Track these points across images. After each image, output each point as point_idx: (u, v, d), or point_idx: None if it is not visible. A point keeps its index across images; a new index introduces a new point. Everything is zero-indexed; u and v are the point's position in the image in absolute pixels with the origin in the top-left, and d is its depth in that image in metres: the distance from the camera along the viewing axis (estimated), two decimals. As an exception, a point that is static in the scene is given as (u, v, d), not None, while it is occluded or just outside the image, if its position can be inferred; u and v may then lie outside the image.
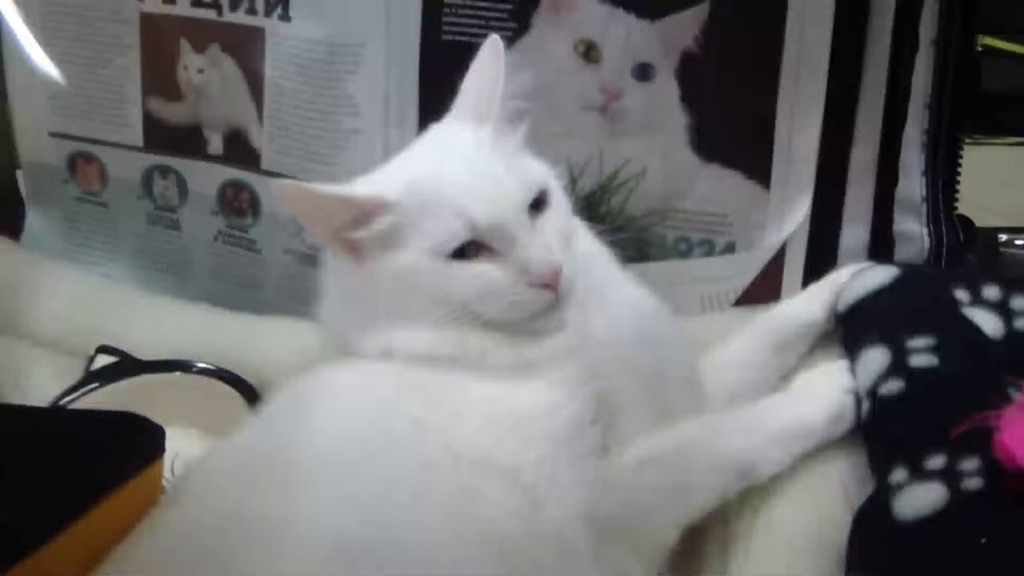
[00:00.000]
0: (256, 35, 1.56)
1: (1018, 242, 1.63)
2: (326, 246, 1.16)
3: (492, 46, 1.18)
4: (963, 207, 1.50)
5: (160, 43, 1.62)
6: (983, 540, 0.85)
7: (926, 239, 1.46)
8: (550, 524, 1.02)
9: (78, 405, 1.42)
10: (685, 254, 1.53)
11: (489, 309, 1.09)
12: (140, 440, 1.06)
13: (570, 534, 1.02)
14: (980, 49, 1.47)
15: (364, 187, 1.14)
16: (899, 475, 0.95)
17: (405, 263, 1.09)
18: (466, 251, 1.08)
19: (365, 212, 1.09)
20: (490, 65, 1.18)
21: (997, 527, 0.87)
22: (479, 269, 1.09)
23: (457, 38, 1.48)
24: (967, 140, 1.47)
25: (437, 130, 1.22)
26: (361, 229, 1.10)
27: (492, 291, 1.08)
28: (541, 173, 1.16)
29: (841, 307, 1.18)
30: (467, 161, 1.13)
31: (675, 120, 1.48)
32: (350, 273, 1.14)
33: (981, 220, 1.54)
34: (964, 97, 1.44)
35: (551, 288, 1.08)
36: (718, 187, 1.49)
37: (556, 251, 1.09)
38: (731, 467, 1.06)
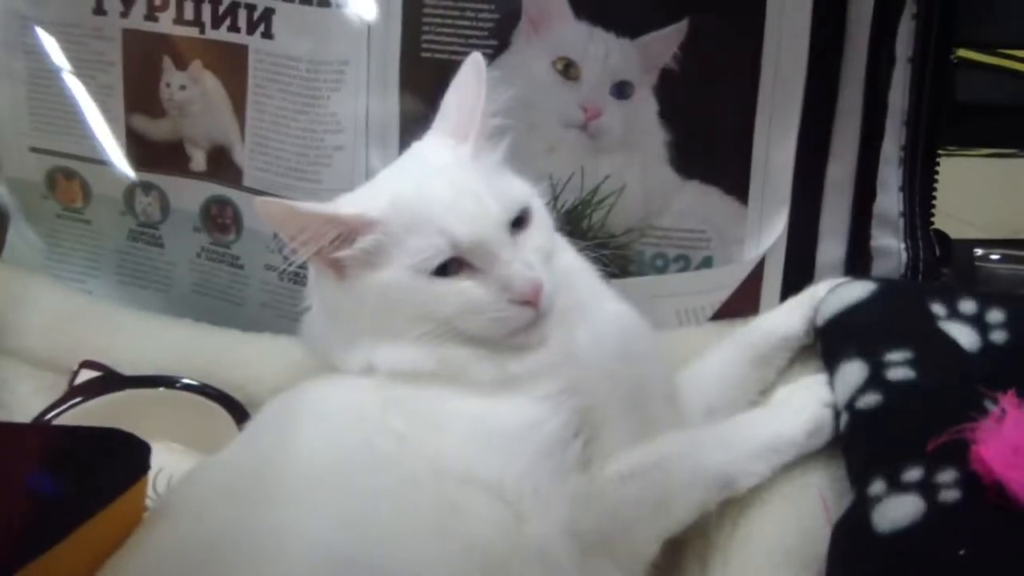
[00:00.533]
0: (239, 52, 1.57)
1: (993, 256, 1.64)
2: (309, 263, 1.17)
3: (474, 64, 1.19)
4: (939, 219, 1.50)
5: (143, 60, 1.63)
6: (961, 552, 0.86)
7: (903, 254, 1.47)
8: (534, 538, 1.03)
9: (61, 420, 1.42)
10: (662, 269, 1.54)
11: (471, 325, 1.10)
12: (127, 457, 1.06)
13: (553, 548, 1.03)
14: (955, 61, 1.48)
15: (348, 205, 1.14)
16: (877, 487, 0.95)
17: (388, 280, 1.10)
18: (448, 268, 1.09)
19: (349, 230, 1.10)
20: (471, 83, 1.19)
21: (975, 539, 0.87)
22: (461, 286, 1.10)
23: (436, 55, 1.49)
24: (943, 152, 1.48)
25: (418, 148, 1.23)
26: (345, 247, 1.11)
27: (474, 308, 1.09)
28: (522, 191, 1.18)
29: (819, 321, 1.19)
30: (449, 179, 1.13)
31: (654, 137, 1.49)
32: (333, 290, 1.15)
33: (957, 232, 1.54)
34: (941, 113, 1.45)
35: (532, 305, 1.09)
36: (696, 203, 1.50)
37: (537, 268, 1.10)
38: (711, 480, 1.07)
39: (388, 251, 1.11)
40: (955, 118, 1.51)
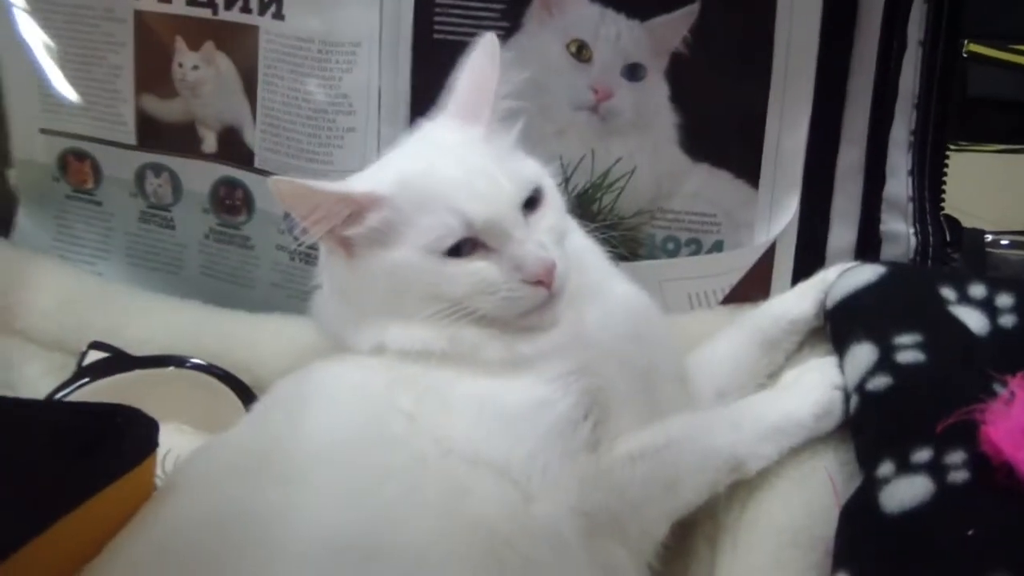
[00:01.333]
0: (250, 33, 1.57)
1: (1004, 242, 1.64)
2: (320, 243, 1.17)
3: (487, 45, 1.19)
4: (951, 214, 1.50)
5: (154, 41, 1.63)
6: (969, 532, 0.86)
7: (912, 239, 1.47)
8: (541, 518, 1.03)
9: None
10: (673, 253, 1.54)
11: (483, 306, 1.10)
12: (135, 433, 1.06)
13: (561, 528, 1.03)
14: (966, 56, 1.48)
15: (360, 183, 1.15)
16: (886, 469, 0.96)
17: (399, 260, 1.10)
18: (460, 248, 1.09)
19: (360, 208, 1.10)
20: (484, 64, 1.19)
21: (983, 519, 0.87)
22: (473, 267, 1.09)
23: (449, 37, 1.49)
24: (954, 147, 1.48)
25: (429, 128, 1.22)
26: (356, 225, 1.11)
27: (486, 288, 1.09)
28: (535, 171, 1.17)
29: (829, 304, 1.18)
30: (460, 158, 1.13)
31: (665, 120, 1.49)
32: (344, 269, 1.15)
33: (969, 226, 1.54)
34: (951, 98, 1.45)
35: (545, 285, 1.09)
36: (707, 186, 1.51)
37: (550, 248, 1.10)
38: (720, 462, 1.07)
39: (399, 230, 1.11)
40: (966, 113, 1.51)
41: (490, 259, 1.10)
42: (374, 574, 0.95)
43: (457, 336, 1.10)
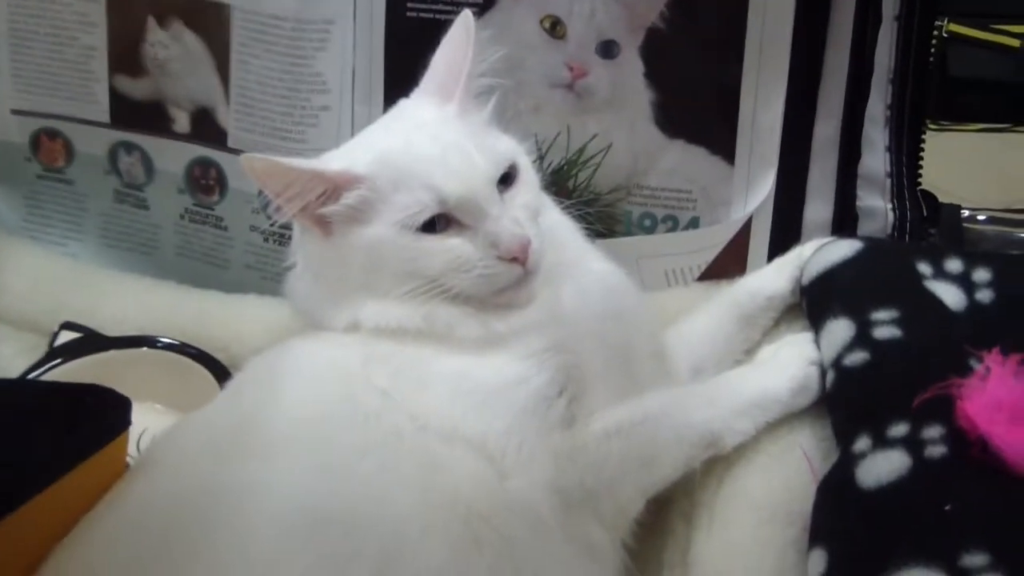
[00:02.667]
0: (223, 12, 1.56)
1: (980, 217, 1.64)
2: (294, 221, 1.16)
3: (463, 22, 1.19)
4: (930, 191, 1.51)
5: (126, 21, 1.62)
6: (946, 507, 0.86)
7: (890, 214, 1.47)
8: (517, 494, 1.03)
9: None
10: (650, 230, 1.53)
11: (458, 283, 1.09)
12: (107, 411, 1.06)
13: (536, 504, 1.03)
14: (947, 36, 1.48)
15: (334, 161, 1.14)
16: (863, 444, 0.96)
17: (374, 236, 1.10)
18: (435, 225, 1.09)
19: (335, 186, 1.10)
20: (460, 41, 1.18)
21: (960, 494, 0.88)
22: (448, 243, 1.09)
23: (422, 15, 1.48)
24: (934, 127, 1.48)
25: (404, 106, 1.22)
26: (331, 203, 1.10)
27: (461, 265, 1.09)
28: (509, 148, 1.17)
29: (805, 280, 1.19)
30: (435, 136, 1.13)
31: (640, 96, 1.49)
32: (318, 248, 1.15)
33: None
34: (927, 73, 1.45)
35: (520, 262, 1.09)
36: (683, 163, 1.50)
37: (525, 225, 1.10)
38: (696, 437, 1.07)
39: (375, 207, 1.10)
40: (947, 93, 1.51)
41: (464, 236, 1.10)
42: (354, 545, 0.94)
43: (432, 314, 1.10)
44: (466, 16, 1.19)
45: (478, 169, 1.10)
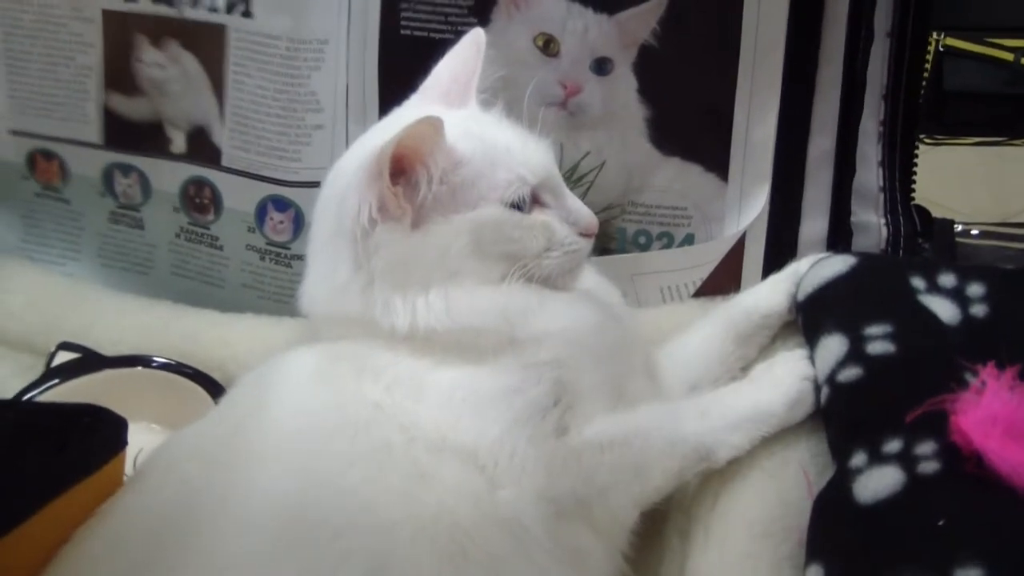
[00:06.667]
0: (218, 32, 1.56)
1: (974, 232, 1.65)
2: (374, 215, 1.09)
3: (474, 37, 1.22)
4: (925, 206, 1.51)
5: (121, 40, 1.62)
6: (940, 522, 0.86)
7: (884, 229, 1.48)
8: (506, 505, 1.03)
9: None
10: (645, 247, 1.54)
11: (548, 262, 1.12)
12: (104, 432, 1.07)
13: (525, 515, 1.03)
14: (942, 50, 1.49)
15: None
16: (858, 459, 0.96)
17: (486, 216, 1.10)
18: (522, 206, 1.11)
19: (452, 164, 1.09)
20: (470, 54, 1.21)
21: (954, 508, 0.87)
22: (544, 219, 1.12)
23: (416, 33, 1.49)
24: (929, 140, 1.48)
25: (411, 105, 1.23)
26: (442, 183, 1.09)
27: (557, 241, 1.12)
28: None
29: (800, 296, 1.19)
30: (488, 123, 1.17)
31: (634, 113, 1.50)
32: (403, 242, 1.09)
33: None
34: (919, 89, 1.45)
35: (589, 237, 1.14)
36: (677, 180, 1.51)
37: None
38: (689, 450, 1.07)
39: (476, 187, 1.10)
40: (942, 106, 1.52)
41: (547, 215, 1.13)
42: (342, 552, 0.95)
43: (509, 305, 1.10)
44: (477, 33, 1.22)
45: (547, 150, 1.15)
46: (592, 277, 1.24)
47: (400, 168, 1.07)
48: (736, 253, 1.49)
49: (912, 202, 1.50)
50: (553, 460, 1.05)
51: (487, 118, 1.18)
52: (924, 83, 1.49)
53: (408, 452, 1.03)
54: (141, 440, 1.18)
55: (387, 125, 1.20)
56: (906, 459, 0.93)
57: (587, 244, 1.14)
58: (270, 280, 1.64)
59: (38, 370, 1.49)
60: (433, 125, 1.04)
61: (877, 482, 0.93)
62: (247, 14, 1.54)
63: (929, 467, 0.91)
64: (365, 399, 1.06)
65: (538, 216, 1.12)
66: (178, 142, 1.65)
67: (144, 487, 1.06)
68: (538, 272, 1.11)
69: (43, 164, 1.72)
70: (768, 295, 1.25)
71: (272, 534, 0.95)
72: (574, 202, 1.15)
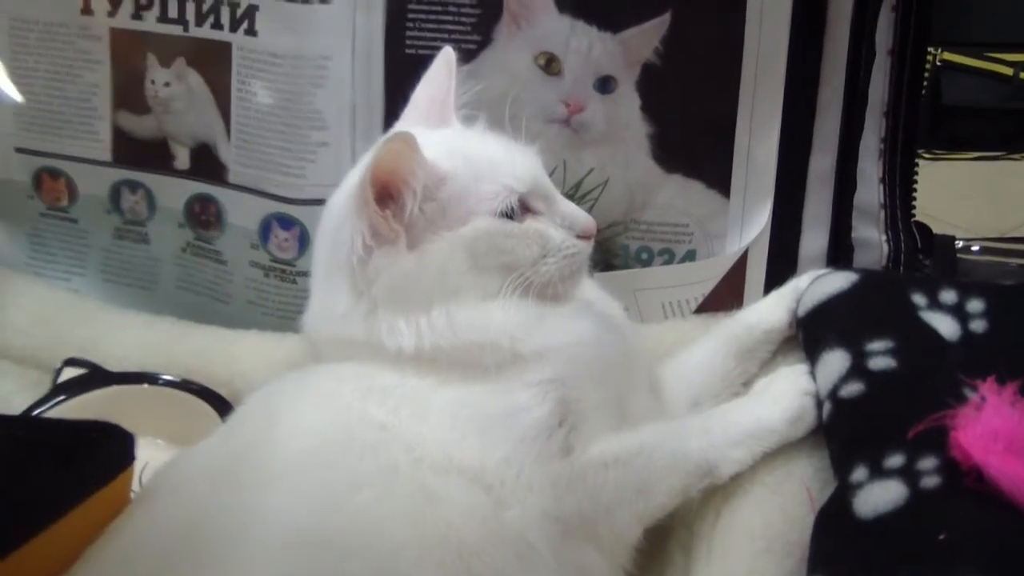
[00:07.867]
0: (223, 50, 1.57)
1: (974, 248, 1.65)
2: (369, 241, 1.10)
3: (445, 57, 1.23)
4: (926, 222, 1.52)
5: (128, 58, 1.63)
6: (941, 536, 0.87)
7: (884, 245, 1.49)
8: (512, 524, 1.03)
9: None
10: (647, 263, 1.54)
11: (546, 268, 1.12)
12: (112, 447, 1.07)
13: (532, 535, 1.03)
14: (941, 64, 1.49)
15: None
16: (860, 474, 0.96)
17: (479, 230, 1.10)
18: (513, 215, 1.12)
19: (435, 181, 1.10)
20: (443, 75, 1.22)
21: (955, 523, 0.88)
22: (537, 226, 1.13)
23: (420, 51, 1.50)
24: (928, 155, 1.49)
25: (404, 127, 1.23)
26: (429, 201, 1.10)
27: (553, 246, 1.12)
28: None
29: (801, 312, 1.19)
30: (473, 138, 1.18)
31: (636, 131, 1.51)
32: (402, 264, 1.10)
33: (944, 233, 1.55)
34: (920, 106, 1.46)
35: (587, 239, 1.14)
36: (679, 196, 1.52)
37: None
38: (692, 466, 1.08)
39: (464, 202, 1.11)
40: (940, 121, 1.52)
41: (541, 221, 1.13)
42: (349, 573, 0.95)
43: (512, 317, 1.11)
44: (446, 51, 1.23)
45: (534, 159, 1.16)
46: (594, 291, 1.24)
47: (386, 192, 1.08)
48: (738, 269, 1.50)
49: (913, 218, 1.51)
50: (559, 479, 1.06)
51: (470, 134, 1.20)
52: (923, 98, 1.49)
53: (414, 472, 1.03)
54: (147, 455, 1.18)
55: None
56: (908, 474, 0.93)
57: (586, 247, 1.14)
58: (275, 296, 1.64)
59: (45, 386, 1.49)
60: (404, 140, 1.06)
61: (878, 497, 0.93)
62: (251, 32, 1.55)
63: (930, 482, 0.91)
64: (371, 420, 1.07)
65: (530, 224, 1.12)
66: (182, 158, 1.65)
67: (153, 507, 1.06)
68: (537, 280, 1.12)
69: (49, 183, 1.72)
70: (769, 311, 1.26)
71: (281, 558, 0.95)
72: (567, 206, 1.15)
